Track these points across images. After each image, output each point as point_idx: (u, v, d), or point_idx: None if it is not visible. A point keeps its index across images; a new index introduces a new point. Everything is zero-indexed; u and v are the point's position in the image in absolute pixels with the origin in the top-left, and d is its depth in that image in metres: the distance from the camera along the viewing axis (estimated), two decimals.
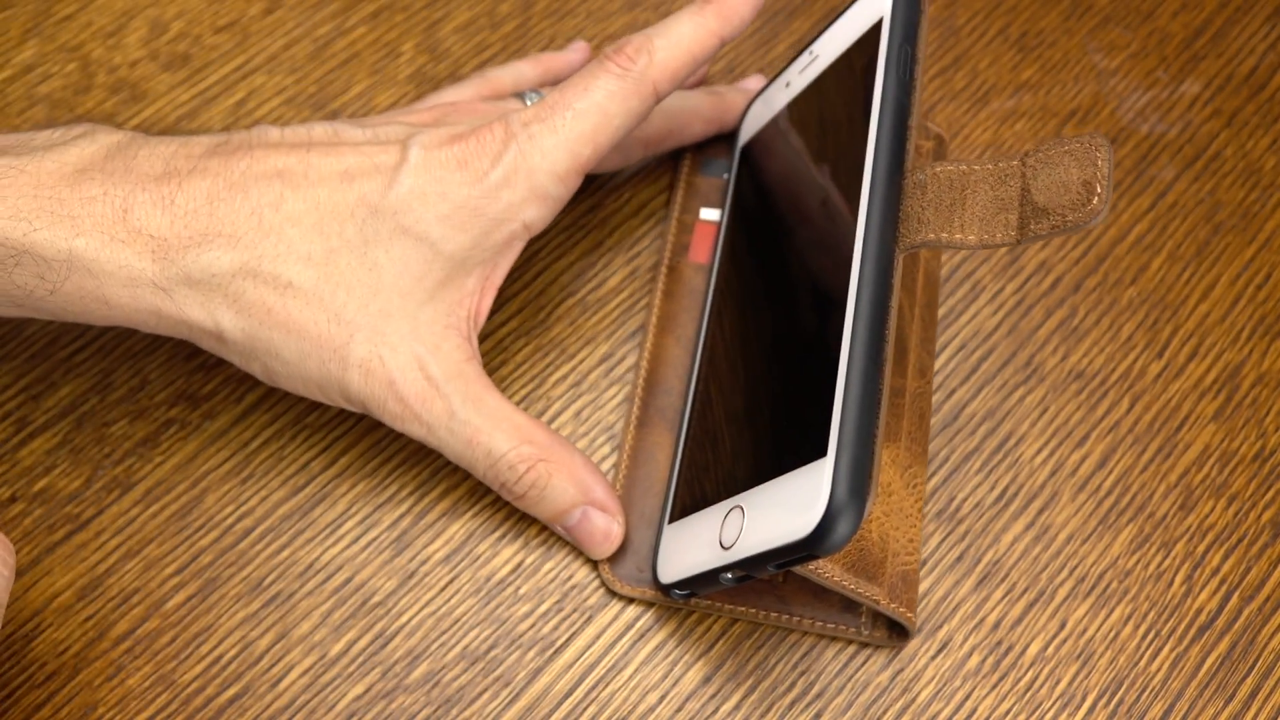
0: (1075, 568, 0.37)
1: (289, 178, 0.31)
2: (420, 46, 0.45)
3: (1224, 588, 0.36)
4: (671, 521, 0.34)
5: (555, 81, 0.41)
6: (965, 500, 0.37)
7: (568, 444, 0.34)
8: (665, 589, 0.33)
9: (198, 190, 0.30)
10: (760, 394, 0.31)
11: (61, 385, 0.38)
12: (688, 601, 0.34)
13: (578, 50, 0.42)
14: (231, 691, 0.34)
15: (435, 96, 0.38)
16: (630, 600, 0.35)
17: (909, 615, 0.32)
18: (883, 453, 0.33)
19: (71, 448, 0.37)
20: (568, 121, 0.32)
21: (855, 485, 0.25)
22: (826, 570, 0.30)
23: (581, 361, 0.39)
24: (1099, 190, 0.25)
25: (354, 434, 0.38)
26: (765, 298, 0.33)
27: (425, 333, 0.32)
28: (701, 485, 0.33)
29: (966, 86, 0.45)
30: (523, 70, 0.40)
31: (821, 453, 0.26)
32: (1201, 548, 0.37)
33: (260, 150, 0.31)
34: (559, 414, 0.38)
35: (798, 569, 0.29)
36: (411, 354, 0.31)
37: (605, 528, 0.34)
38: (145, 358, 0.39)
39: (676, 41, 0.33)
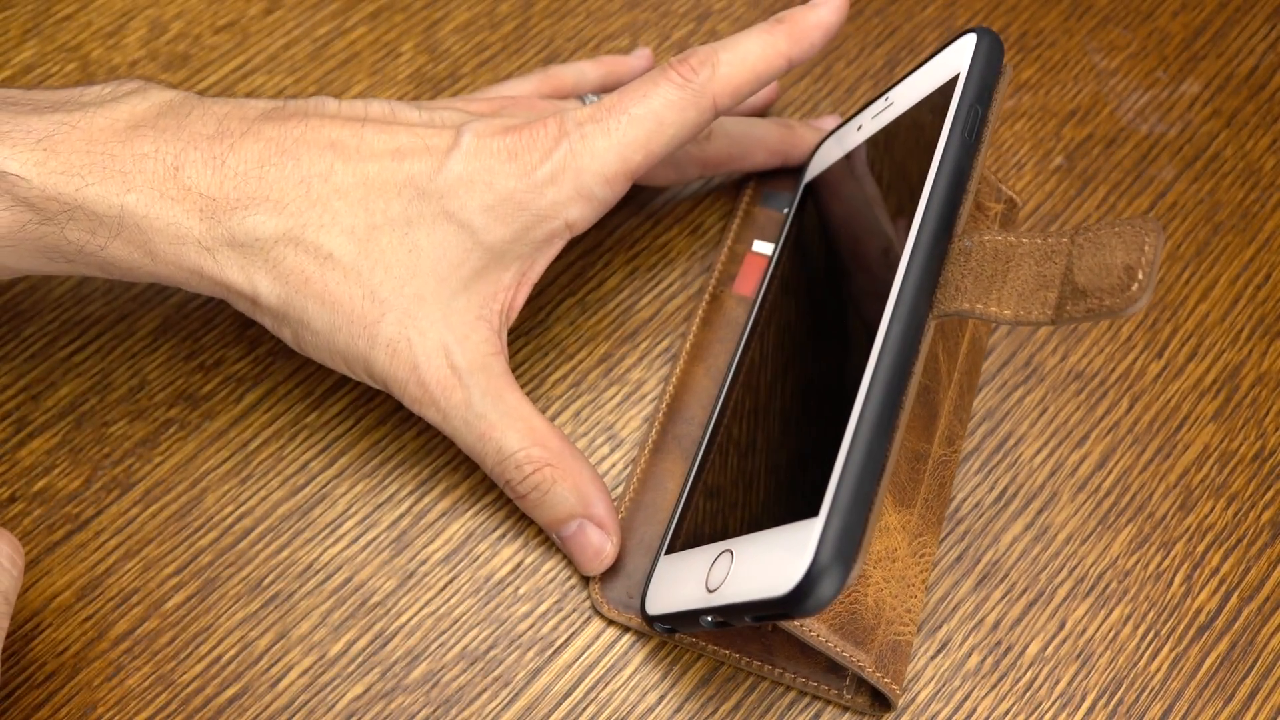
0: (1075, 568, 0.37)
1: (341, 150, 0.31)
2: (420, 46, 0.45)
3: (1223, 588, 0.36)
4: (668, 553, 0.34)
5: (617, 84, 0.41)
6: (965, 500, 0.37)
7: (579, 454, 0.34)
8: (650, 620, 0.33)
9: (249, 153, 0.30)
10: (773, 440, 0.31)
11: (61, 385, 0.38)
12: (671, 636, 0.34)
13: (641, 56, 0.41)
14: (231, 691, 0.34)
15: (496, 89, 0.38)
16: (613, 623, 0.35)
17: (894, 688, 0.31)
18: (893, 517, 0.32)
19: (71, 448, 0.37)
20: (622, 125, 0.32)
21: (841, 551, 0.24)
22: (813, 629, 0.29)
23: (581, 361, 0.39)
24: (1140, 276, 0.23)
25: (354, 434, 0.38)
26: (798, 343, 0.33)
27: (456, 321, 0.32)
28: (701, 522, 0.32)
29: None
30: (585, 70, 0.40)
31: (814, 512, 0.26)
32: (1201, 548, 0.37)
33: (316, 119, 0.32)
34: (559, 414, 0.38)
35: (783, 624, 0.28)
36: (439, 341, 0.31)
37: (599, 545, 0.34)
38: (145, 358, 0.39)
39: (742, 58, 0.33)
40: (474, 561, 0.36)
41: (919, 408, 0.34)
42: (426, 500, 0.37)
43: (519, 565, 0.36)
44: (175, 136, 0.30)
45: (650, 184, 0.40)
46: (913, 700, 0.34)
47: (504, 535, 0.36)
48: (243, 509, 0.36)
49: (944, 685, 0.35)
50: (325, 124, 0.32)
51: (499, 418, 0.32)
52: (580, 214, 0.32)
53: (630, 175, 0.32)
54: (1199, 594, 0.36)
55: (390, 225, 0.31)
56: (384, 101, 0.33)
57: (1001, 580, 0.36)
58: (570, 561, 0.36)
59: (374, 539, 0.36)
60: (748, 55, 0.33)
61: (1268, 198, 0.43)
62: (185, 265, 0.30)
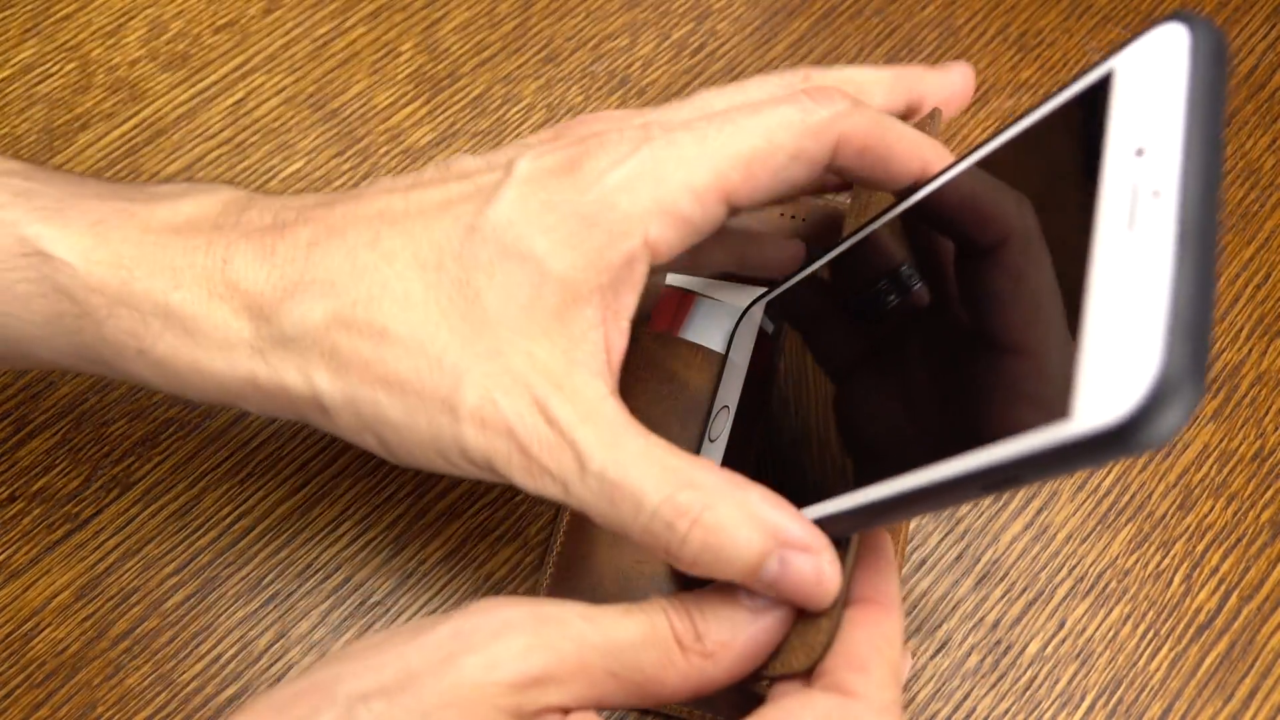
0: (1074, 567, 0.37)
1: (387, 215, 0.28)
2: (419, 46, 0.45)
3: (1223, 587, 0.36)
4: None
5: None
6: None
7: (739, 479, 0.26)
8: None
9: (298, 238, 0.27)
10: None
11: (60, 385, 0.38)
12: None
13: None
14: (230, 691, 0.34)
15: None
16: None
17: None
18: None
19: (70, 447, 0.37)
20: (723, 134, 0.26)
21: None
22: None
23: None
24: None
25: None
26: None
27: (545, 369, 0.26)
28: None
29: None
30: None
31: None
32: (1200, 547, 0.37)
33: (368, 195, 0.28)
34: None
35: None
36: (530, 395, 0.26)
37: (812, 570, 0.25)
38: None
39: (886, 127, 0.28)
40: (473, 561, 0.36)
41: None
42: (426, 500, 0.37)
43: (518, 565, 0.36)
44: (229, 231, 0.27)
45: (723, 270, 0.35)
46: (913, 699, 0.34)
47: (503, 535, 0.36)
48: (242, 508, 0.36)
49: (944, 684, 0.35)
50: (376, 196, 0.28)
51: (625, 469, 0.25)
52: (662, 232, 0.26)
53: (725, 195, 0.27)
54: (1198, 593, 0.36)
55: (448, 281, 0.27)
56: (443, 161, 0.29)
57: (1001, 579, 0.36)
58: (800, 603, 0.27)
59: (373, 539, 0.36)
60: (891, 127, 0.28)
61: (1267, 197, 0.43)
62: (239, 374, 0.27)
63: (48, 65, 0.44)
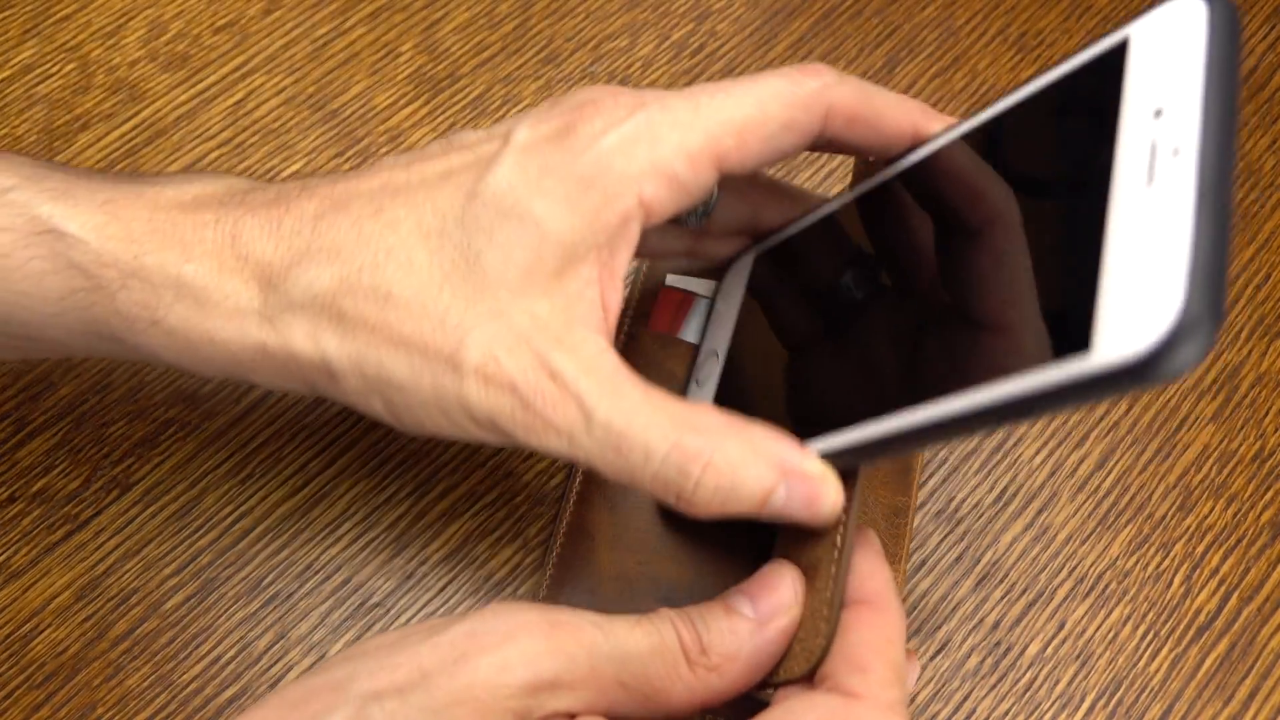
0: (1074, 568, 0.37)
1: (390, 187, 0.29)
2: (419, 46, 0.45)
3: (1223, 588, 0.37)
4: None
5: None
6: (964, 500, 0.37)
7: (740, 419, 0.27)
8: None
9: (304, 211, 0.29)
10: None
11: (60, 385, 0.38)
12: None
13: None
14: (230, 692, 0.34)
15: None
16: None
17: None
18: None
19: (70, 448, 0.37)
20: (715, 100, 0.28)
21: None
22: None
23: None
24: None
25: (353, 433, 0.38)
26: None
27: (545, 327, 0.27)
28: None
29: (966, 87, 0.45)
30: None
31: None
32: (1200, 548, 0.37)
33: (371, 170, 0.30)
34: None
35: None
36: (532, 351, 0.27)
37: (815, 491, 0.27)
38: None
39: (870, 93, 0.29)
40: (473, 562, 0.36)
41: (889, 461, 0.33)
42: (426, 500, 0.37)
43: (518, 566, 0.36)
44: (236, 207, 0.29)
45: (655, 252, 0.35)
46: (913, 701, 0.34)
47: (503, 536, 0.36)
48: (242, 509, 0.36)
49: (943, 685, 0.35)
50: (378, 171, 0.30)
51: (630, 418, 0.26)
52: (655, 191, 0.27)
53: (717, 159, 0.28)
54: (1198, 594, 0.36)
55: (447, 244, 0.28)
56: (446, 136, 0.31)
57: (1001, 580, 0.36)
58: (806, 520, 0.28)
59: (373, 539, 0.36)
60: (877, 94, 0.29)
61: (1267, 198, 0.43)
62: (248, 342, 0.28)
63: (48, 65, 0.44)
